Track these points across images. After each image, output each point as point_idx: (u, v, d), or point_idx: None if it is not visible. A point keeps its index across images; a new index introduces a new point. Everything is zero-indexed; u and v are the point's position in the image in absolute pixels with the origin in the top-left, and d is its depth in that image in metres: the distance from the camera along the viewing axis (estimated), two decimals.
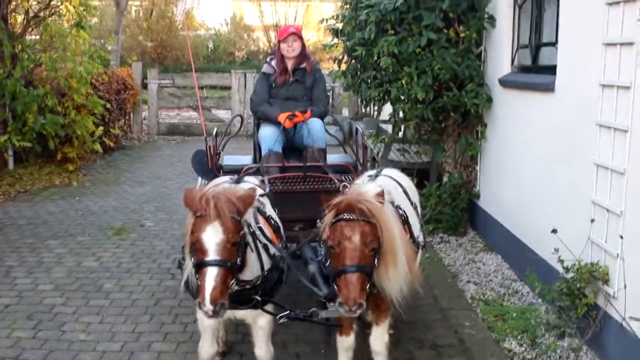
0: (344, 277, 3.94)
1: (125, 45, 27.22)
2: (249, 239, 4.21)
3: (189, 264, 4.08)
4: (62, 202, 10.69)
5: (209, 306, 3.67)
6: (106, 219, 9.67)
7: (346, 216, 4.02)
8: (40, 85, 12.01)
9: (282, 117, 6.84)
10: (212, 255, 3.73)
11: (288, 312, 4.53)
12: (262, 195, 5.08)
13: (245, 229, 4.10)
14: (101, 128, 13.08)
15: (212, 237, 3.73)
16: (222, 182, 5.23)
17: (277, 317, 4.52)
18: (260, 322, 4.61)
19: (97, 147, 12.91)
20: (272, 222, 4.88)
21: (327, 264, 4.53)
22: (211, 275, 3.70)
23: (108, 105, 14.35)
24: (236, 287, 4.06)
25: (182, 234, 5.08)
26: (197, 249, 3.78)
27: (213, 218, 3.69)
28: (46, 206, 10.37)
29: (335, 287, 4.05)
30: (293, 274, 4.67)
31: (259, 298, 4.34)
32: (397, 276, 4.24)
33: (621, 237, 4.97)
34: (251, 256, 4.24)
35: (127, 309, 6.44)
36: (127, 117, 17.65)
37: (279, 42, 7.19)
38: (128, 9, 25.12)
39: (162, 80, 19.18)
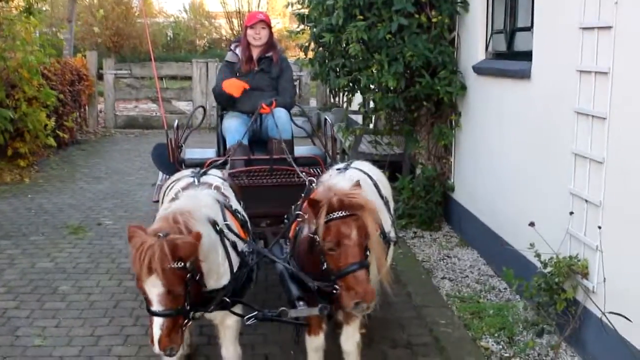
0: (353, 276, 3.95)
1: (79, 35, 26.99)
2: (217, 239, 4.21)
3: None
4: (13, 200, 10.60)
5: (158, 351, 3.75)
6: (61, 217, 9.61)
7: (339, 214, 4.01)
8: None
9: (226, 84, 6.90)
10: (155, 306, 3.73)
11: (256, 312, 4.54)
12: (223, 183, 5.09)
13: (215, 245, 4.11)
14: (53, 121, 12.93)
15: (152, 289, 3.71)
16: (184, 176, 5.23)
17: (246, 318, 4.53)
18: (227, 321, 4.61)
19: (51, 141, 12.78)
20: (239, 216, 4.88)
21: (292, 262, 4.57)
22: (157, 324, 3.74)
23: (61, 97, 14.23)
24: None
25: None
26: (143, 294, 3.79)
27: (147, 273, 3.65)
28: None
29: (339, 288, 4.04)
30: (260, 273, 4.68)
31: (227, 299, 4.34)
32: (375, 269, 4.27)
33: (599, 227, 5.04)
34: (219, 259, 4.25)
35: (85, 311, 6.41)
36: (82, 110, 17.52)
37: (246, 27, 7.17)
38: None
39: (119, 70, 19.07)
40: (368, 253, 4.11)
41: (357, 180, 4.49)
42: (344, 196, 4.03)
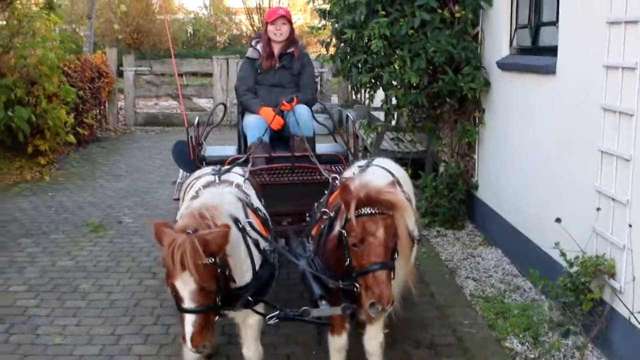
0: (373, 275, 3.94)
1: (99, 32, 27.12)
2: (239, 236, 4.22)
3: None
4: (34, 198, 10.66)
5: (191, 348, 3.79)
6: (82, 215, 9.66)
7: (368, 210, 4.00)
8: (9, 74, 11.90)
9: (264, 112, 6.87)
10: (187, 303, 3.76)
11: (278, 312, 4.54)
12: (244, 181, 5.10)
13: (237, 243, 4.12)
14: (72, 116, 12.98)
15: (184, 286, 3.74)
16: (204, 174, 5.24)
17: (267, 317, 4.53)
18: (249, 320, 4.62)
19: (71, 138, 12.83)
20: (261, 214, 4.89)
21: (316, 260, 4.56)
22: (189, 321, 3.77)
23: (81, 94, 14.30)
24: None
25: None
26: (174, 292, 3.82)
27: (180, 270, 3.68)
28: (17, 202, 10.35)
29: (358, 287, 4.05)
30: (281, 272, 4.68)
31: (250, 298, 4.35)
32: (403, 272, 4.26)
33: (630, 226, 4.99)
34: (242, 256, 4.26)
35: (106, 310, 6.44)
36: (102, 107, 17.61)
37: (267, 24, 7.19)
38: None
39: (139, 67, 19.18)
40: (396, 256, 4.10)
41: (392, 180, 4.46)
42: (376, 193, 4.01)
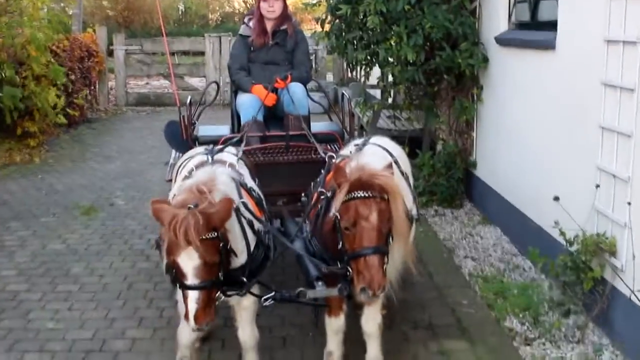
0: (364, 260, 3.94)
1: (88, 10, 27.01)
2: (233, 216, 4.22)
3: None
4: (23, 180, 10.65)
5: (194, 326, 3.79)
6: (72, 197, 9.65)
7: (361, 193, 4.00)
8: None
9: (256, 90, 6.84)
10: (191, 279, 3.77)
11: (274, 293, 4.55)
12: (238, 161, 5.11)
13: (232, 223, 4.13)
14: (63, 98, 12.94)
15: (188, 262, 3.76)
16: (197, 154, 5.23)
17: (263, 299, 4.54)
18: (244, 302, 4.62)
19: (61, 119, 12.77)
20: (254, 194, 4.88)
21: (313, 241, 4.55)
22: (192, 298, 3.77)
23: (71, 75, 14.24)
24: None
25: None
26: (176, 270, 3.83)
27: (185, 245, 3.69)
28: (6, 185, 10.34)
29: (350, 271, 4.06)
30: (276, 253, 4.69)
31: (244, 279, 4.35)
32: (400, 254, 4.26)
33: (629, 204, 5.00)
34: (236, 236, 4.26)
35: (98, 294, 6.45)
36: (92, 87, 17.53)
37: (259, 0, 7.15)
38: None
39: (130, 46, 19.07)
40: (391, 240, 4.10)
41: (390, 161, 4.45)
42: (369, 176, 4.01)
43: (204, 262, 3.75)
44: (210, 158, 4.97)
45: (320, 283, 4.51)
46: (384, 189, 4.00)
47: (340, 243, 4.11)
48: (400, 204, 4.09)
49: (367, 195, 3.99)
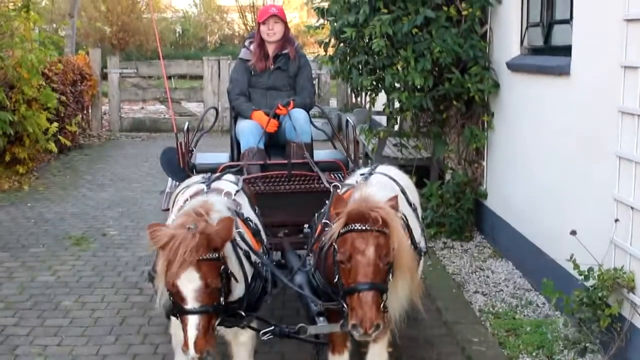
0: (358, 295, 3.92)
1: (82, 31, 27.15)
2: (229, 247, 4.22)
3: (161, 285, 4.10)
4: (12, 208, 10.65)
5: (193, 354, 3.75)
6: (63, 227, 9.65)
7: (358, 226, 3.99)
8: None
9: (257, 116, 6.86)
10: (190, 303, 3.76)
11: (273, 327, 4.53)
12: (237, 192, 5.11)
13: (229, 253, 4.15)
14: (55, 124, 12.97)
15: (188, 285, 3.75)
16: (194, 182, 5.24)
17: (261, 332, 4.52)
18: (241, 338, 4.61)
19: (52, 146, 12.79)
20: (251, 224, 4.88)
21: (317, 275, 4.54)
22: (192, 324, 3.76)
23: (63, 99, 14.29)
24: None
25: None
26: (174, 294, 3.82)
27: (185, 266, 3.69)
28: None
29: (345, 307, 4.05)
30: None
31: (243, 313, 4.34)
32: (404, 290, 4.24)
33: None
34: (233, 267, 4.25)
35: (89, 328, 6.42)
36: (85, 112, 17.58)
37: (259, 24, 7.19)
38: None
39: (125, 69, 19.16)
40: (390, 277, 4.09)
41: (395, 194, 4.45)
42: (369, 208, 4.01)
43: (205, 285, 3.74)
44: (207, 187, 4.99)
45: (321, 318, 4.50)
46: (383, 222, 3.98)
47: (337, 277, 4.11)
48: (402, 238, 4.08)
49: (364, 228, 3.98)
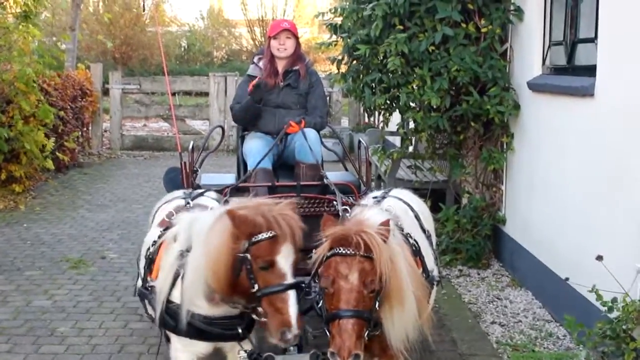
0: (338, 322, 3.94)
1: (83, 44, 27.28)
2: None
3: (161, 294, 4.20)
4: (7, 229, 10.68)
5: (296, 331, 4.11)
6: (60, 249, 9.66)
7: (342, 250, 4.01)
8: None
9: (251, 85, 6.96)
10: (289, 278, 4.14)
11: (249, 349, 4.57)
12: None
13: None
14: (53, 141, 13.00)
15: (289, 258, 4.18)
16: (175, 198, 5.35)
17: (238, 350, 4.61)
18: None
19: (49, 164, 12.82)
20: None
21: (320, 304, 4.55)
22: (293, 300, 4.14)
23: (62, 114, 14.34)
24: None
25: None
26: (270, 273, 4.12)
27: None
28: None
29: (328, 333, 4.06)
30: None
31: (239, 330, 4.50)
32: (403, 320, 4.23)
33: None
34: None
35: (86, 356, 6.42)
36: (85, 129, 17.66)
37: (270, 38, 7.22)
38: (86, 1, 25.15)
39: (127, 84, 19.25)
40: (377, 306, 4.08)
41: (387, 219, 4.44)
42: (355, 232, 4.01)
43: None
44: (189, 202, 5.13)
45: (292, 348, 4.54)
46: (366, 247, 3.97)
47: (320, 302, 4.13)
48: (394, 264, 4.06)
49: (348, 252, 3.99)
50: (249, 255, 4.07)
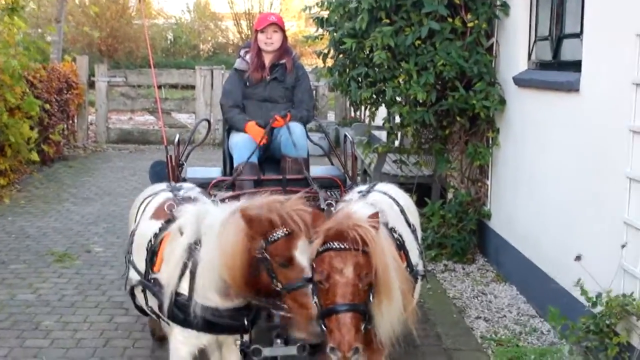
0: (336, 317, 3.93)
1: (69, 37, 27.18)
2: None
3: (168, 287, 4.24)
4: None
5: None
6: (45, 243, 9.65)
7: (336, 245, 4.00)
8: None
9: (250, 128, 6.88)
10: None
11: (243, 341, 4.57)
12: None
13: None
14: (36, 131, 12.94)
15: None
16: (160, 190, 5.34)
17: (235, 342, 4.61)
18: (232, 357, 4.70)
19: (34, 156, 12.80)
20: None
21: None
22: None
23: (47, 107, 14.30)
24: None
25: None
26: (289, 269, 4.11)
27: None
28: None
29: (324, 329, 4.04)
30: None
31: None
32: (390, 313, 4.24)
33: None
34: None
35: (71, 350, 6.40)
36: (70, 122, 17.62)
37: (257, 32, 7.21)
38: None
39: (113, 77, 19.19)
40: (372, 298, 4.09)
41: (375, 211, 4.45)
42: (348, 226, 4.01)
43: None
44: (175, 194, 5.15)
45: (279, 341, 4.56)
46: (362, 241, 3.98)
47: (315, 297, 4.12)
48: (386, 258, 4.08)
49: (343, 246, 3.99)
50: (267, 255, 4.08)
